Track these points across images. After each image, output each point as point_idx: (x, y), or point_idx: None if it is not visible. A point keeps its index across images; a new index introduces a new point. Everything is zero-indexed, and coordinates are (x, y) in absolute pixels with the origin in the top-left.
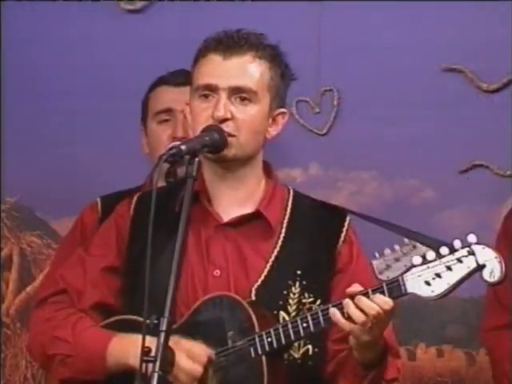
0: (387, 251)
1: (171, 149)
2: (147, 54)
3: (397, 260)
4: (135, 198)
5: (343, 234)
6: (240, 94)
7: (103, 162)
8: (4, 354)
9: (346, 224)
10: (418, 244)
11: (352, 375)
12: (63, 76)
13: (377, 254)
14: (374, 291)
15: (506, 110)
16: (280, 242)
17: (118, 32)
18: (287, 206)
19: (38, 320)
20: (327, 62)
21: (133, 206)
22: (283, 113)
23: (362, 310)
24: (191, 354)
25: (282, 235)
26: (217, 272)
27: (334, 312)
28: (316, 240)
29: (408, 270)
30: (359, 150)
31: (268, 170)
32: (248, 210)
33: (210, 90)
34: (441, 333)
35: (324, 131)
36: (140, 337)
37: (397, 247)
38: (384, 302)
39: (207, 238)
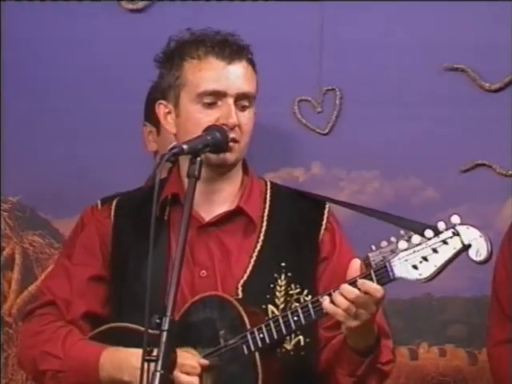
0: (383, 243)
1: (173, 148)
2: (148, 53)
3: (393, 252)
4: (114, 203)
5: (324, 222)
6: (244, 99)
7: (105, 161)
8: (6, 353)
9: (326, 212)
10: (413, 234)
11: (347, 363)
12: (64, 76)
13: (373, 247)
14: (363, 278)
15: (508, 109)
16: (262, 236)
17: (119, 31)
18: (266, 198)
19: (27, 333)
20: (329, 62)
21: (113, 212)
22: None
23: (344, 297)
24: (185, 369)
25: (264, 229)
26: (203, 272)
27: (325, 298)
28: (297, 230)
29: (395, 255)
30: (361, 150)
31: (244, 166)
32: (228, 207)
33: (217, 95)
34: (443, 332)
35: (326, 131)
36: (131, 351)
37: (393, 239)
38: (375, 289)
39: (190, 239)
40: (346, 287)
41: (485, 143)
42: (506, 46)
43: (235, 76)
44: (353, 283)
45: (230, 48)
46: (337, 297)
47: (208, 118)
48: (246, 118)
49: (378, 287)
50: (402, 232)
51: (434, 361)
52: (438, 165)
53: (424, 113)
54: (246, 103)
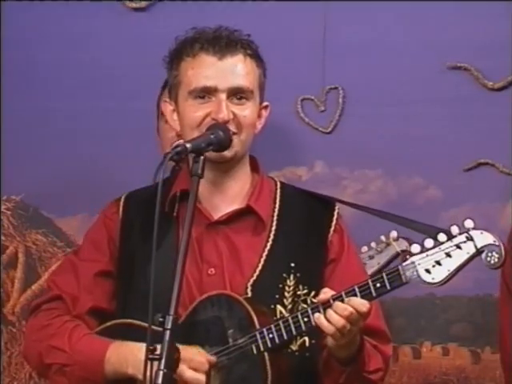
0: (364, 248)
1: (176, 147)
2: (152, 52)
3: (371, 258)
4: (122, 198)
5: (333, 224)
6: (239, 93)
7: (108, 160)
8: (10, 351)
9: (336, 213)
10: (393, 242)
11: (331, 371)
12: (68, 75)
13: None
14: (375, 281)
15: (510, 108)
16: (272, 236)
17: (122, 30)
18: (276, 198)
19: (33, 327)
20: (332, 61)
21: (121, 208)
22: (266, 106)
23: (339, 315)
24: (193, 365)
25: (274, 228)
26: (211, 271)
27: (319, 316)
28: (307, 231)
29: (407, 258)
30: (364, 149)
31: (254, 165)
32: (237, 206)
33: (208, 91)
34: (446, 331)
35: (329, 129)
36: (138, 345)
37: (373, 244)
38: (360, 303)
39: (199, 236)
40: (339, 305)
41: (488, 142)
42: (510, 44)
43: (226, 71)
44: (340, 299)
45: (220, 44)
46: (332, 315)
47: (200, 111)
48: (244, 111)
49: (364, 301)
50: (381, 238)
51: (437, 360)
52: (440, 164)
53: (427, 111)
54: (243, 97)
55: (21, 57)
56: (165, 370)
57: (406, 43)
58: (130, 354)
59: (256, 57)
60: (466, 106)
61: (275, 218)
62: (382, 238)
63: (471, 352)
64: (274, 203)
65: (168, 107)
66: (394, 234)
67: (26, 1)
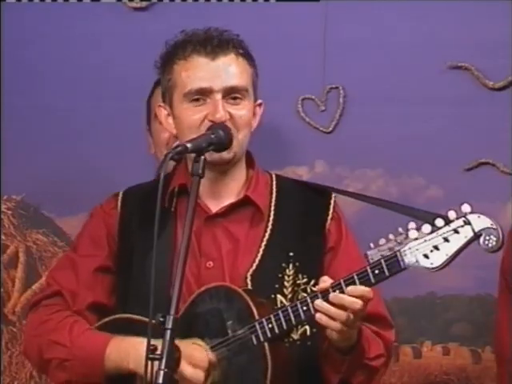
0: (382, 241)
1: (177, 147)
2: (152, 52)
3: (391, 250)
4: (121, 194)
5: (330, 212)
6: (234, 93)
7: (109, 160)
8: (10, 351)
9: (332, 201)
10: (423, 223)
11: (331, 360)
12: (68, 75)
13: (372, 245)
14: (373, 268)
15: (511, 108)
16: (270, 226)
17: (122, 30)
18: (272, 190)
19: (33, 323)
20: (333, 60)
21: (119, 204)
22: (260, 104)
23: (341, 307)
24: (193, 361)
25: (271, 218)
26: (210, 264)
27: (321, 317)
28: (305, 220)
29: (405, 244)
30: (365, 148)
31: (249, 160)
32: (234, 199)
33: (203, 93)
34: (447, 331)
35: (330, 129)
36: (139, 340)
37: (391, 236)
38: (363, 290)
39: (197, 230)
40: (344, 298)
41: (488, 142)
42: (510, 44)
43: (220, 71)
44: (339, 287)
45: (212, 44)
46: (336, 311)
47: (197, 114)
48: (240, 111)
49: (366, 289)
50: (399, 229)
51: (437, 359)
52: (441, 163)
53: (428, 111)
54: (238, 96)
55: (21, 57)
56: (165, 370)
57: (406, 43)
58: (131, 348)
59: (247, 56)
60: (466, 106)
61: (272, 208)
62: (400, 229)
63: (472, 352)
64: (271, 194)
65: (162, 111)
66: (412, 224)
67: (25, 1)
